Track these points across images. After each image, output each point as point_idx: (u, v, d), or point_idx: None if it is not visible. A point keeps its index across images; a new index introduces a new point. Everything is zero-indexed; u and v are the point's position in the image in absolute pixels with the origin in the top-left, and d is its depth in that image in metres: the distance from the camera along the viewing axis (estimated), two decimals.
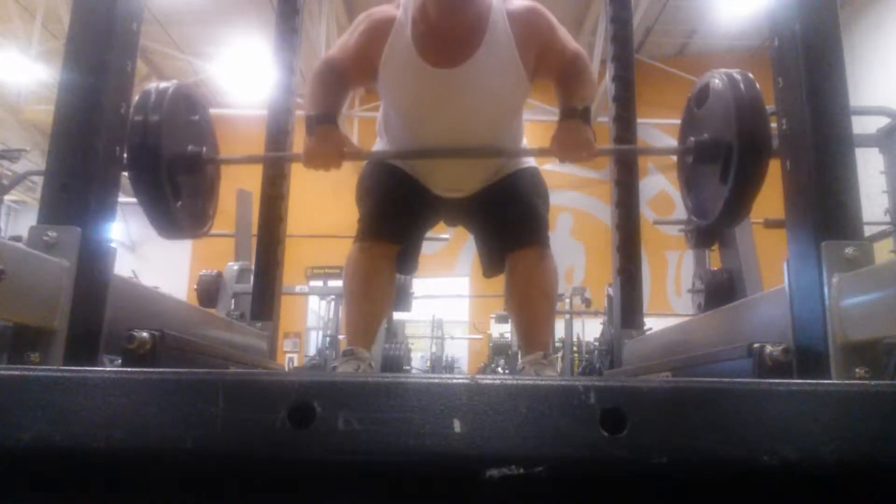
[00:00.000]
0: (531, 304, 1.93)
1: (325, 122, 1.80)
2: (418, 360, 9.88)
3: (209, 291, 4.96)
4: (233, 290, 4.92)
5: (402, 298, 5.39)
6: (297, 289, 6.63)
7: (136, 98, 1.60)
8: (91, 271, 1.31)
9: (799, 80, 1.35)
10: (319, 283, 7.29)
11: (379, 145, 2.07)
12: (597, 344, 6.51)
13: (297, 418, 0.64)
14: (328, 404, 0.64)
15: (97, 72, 1.39)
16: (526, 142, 2.09)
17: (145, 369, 0.72)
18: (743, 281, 3.98)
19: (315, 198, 8.82)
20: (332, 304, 6.86)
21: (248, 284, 3.52)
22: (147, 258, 11.08)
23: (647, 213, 6.84)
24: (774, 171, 1.50)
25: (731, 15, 9.75)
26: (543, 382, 0.67)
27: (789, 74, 1.39)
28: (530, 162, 2.04)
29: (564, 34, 1.84)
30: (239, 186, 5.29)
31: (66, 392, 0.66)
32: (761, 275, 4.05)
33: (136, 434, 0.65)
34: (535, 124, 6.66)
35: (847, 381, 1.07)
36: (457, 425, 0.64)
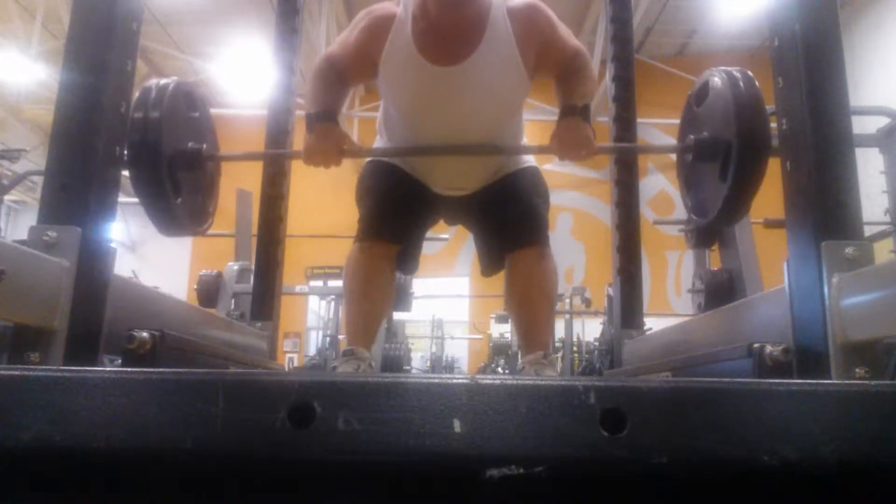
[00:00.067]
0: (531, 304, 1.93)
1: (325, 119, 1.81)
2: (418, 360, 9.88)
3: (209, 291, 4.96)
4: (233, 290, 4.92)
5: (402, 298, 5.39)
6: (297, 289, 6.63)
7: (136, 95, 1.60)
8: (91, 271, 1.31)
9: (799, 80, 1.35)
10: (319, 283, 7.29)
11: (379, 143, 2.07)
12: (597, 344, 6.51)
13: (297, 418, 0.64)
14: (328, 404, 0.65)
15: (97, 72, 1.39)
16: (526, 140, 2.09)
17: (145, 369, 0.72)
18: (743, 281, 3.98)
19: (315, 197, 8.82)
20: (332, 304, 6.86)
21: (248, 284, 3.52)
22: (147, 258, 11.09)
23: (647, 213, 6.86)
24: (774, 171, 1.50)
25: (731, 15, 9.75)
26: (543, 382, 0.67)
27: (789, 74, 1.39)
28: (531, 161, 2.04)
29: (565, 31, 1.84)
30: (239, 186, 5.30)
31: (66, 392, 0.66)
32: (761, 275, 4.04)
33: (136, 434, 0.65)
34: (535, 124, 6.66)
35: (847, 381, 1.07)
36: (457, 425, 0.64)
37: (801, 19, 1.37)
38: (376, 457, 0.64)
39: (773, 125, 1.51)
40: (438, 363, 9.67)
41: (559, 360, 7.21)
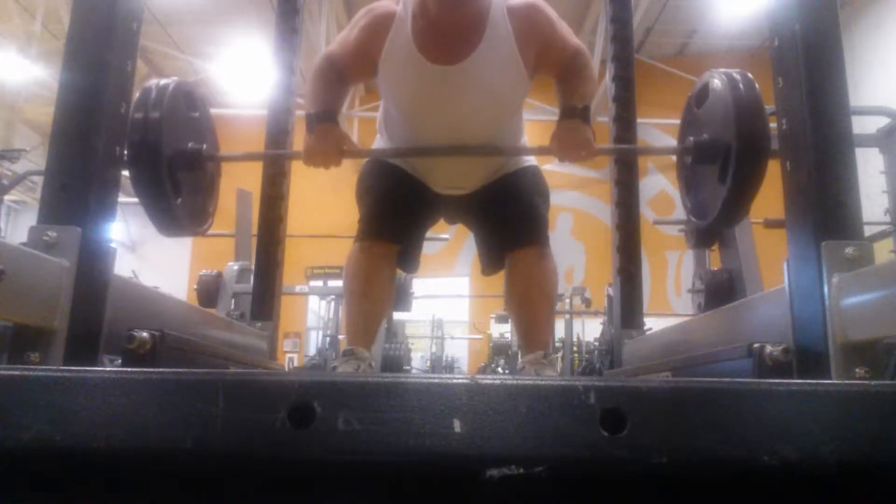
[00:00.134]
0: (531, 304, 1.93)
1: (324, 119, 1.81)
2: (418, 360, 9.88)
3: (209, 291, 4.96)
4: (233, 290, 4.92)
5: (402, 298, 5.39)
6: (297, 289, 6.63)
7: (136, 95, 1.60)
8: (91, 271, 1.31)
9: (799, 80, 1.35)
10: (319, 283, 7.29)
11: (379, 142, 2.07)
12: (597, 344, 6.51)
13: (297, 418, 0.64)
14: (328, 404, 0.64)
15: (97, 71, 1.39)
16: (526, 139, 2.09)
17: (145, 369, 0.72)
18: (743, 281, 3.98)
19: (315, 198, 8.81)
20: (332, 304, 6.86)
21: (248, 284, 3.52)
22: (147, 258, 11.09)
23: (647, 213, 6.85)
24: (774, 171, 1.50)
25: (731, 15, 9.75)
26: (543, 382, 0.67)
27: (789, 74, 1.39)
28: (531, 160, 2.04)
29: (565, 30, 1.83)
30: (239, 186, 5.30)
31: (66, 392, 0.66)
32: (761, 275, 4.05)
33: (136, 434, 0.65)
34: (535, 124, 6.66)
35: (847, 381, 1.07)
36: (457, 425, 0.64)
37: (801, 19, 1.37)
38: (376, 457, 0.64)
39: (774, 125, 1.51)
40: (438, 363, 9.67)
41: (559, 360, 7.21)
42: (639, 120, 2.64)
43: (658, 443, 0.63)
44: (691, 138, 1.72)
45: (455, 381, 0.67)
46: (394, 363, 5.79)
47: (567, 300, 7.82)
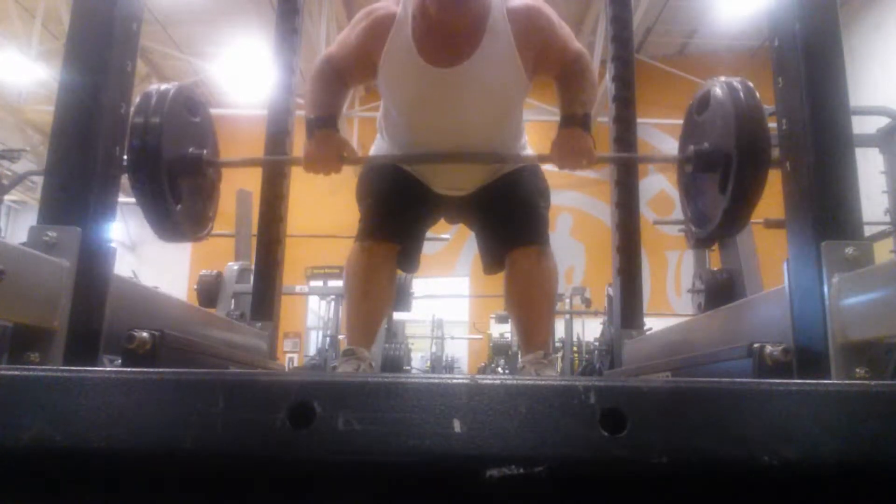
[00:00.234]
0: (531, 303, 1.93)
1: (324, 125, 1.80)
2: (418, 360, 9.88)
3: (209, 291, 4.96)
4: (233, 290, 4.92)
5: (402, 298, 5.39)
6: (297, 289, 6.63)
7: (136, 100, 1.59)
8: (91, 271, 1.31)
9: (799, 80, 1.35)
10: (319, 283, 7.29)
11: (379, 142, 2.07)
12: (597, 344, 6.51)
13: (297, 418, 0.64)
14: (328, 404, 0.64)
15: (97, 72, 1.39)
16: (526, 139, 2.09)
17: (145, 369, 0.72)
18: (743, 281, 3.98)
19: (315, 198, 8.81)
20: (332, 304, 6.86)
21: (248, 284, 3.52)
22: (147, 258, 11.09)
23: (647, 213, 6.86)
24: (774, 172, 1.50)
25: (731, 15, 9.75)
26: (543, 382, 0.67)
27: (789, 74, 1.39)
28: None
29: (566, 33, 1.83)
30: (239, 186, 5.30)
31: (66, 392, 0.66)
32: (761, 275, 4.05)
33: (136, 434, 0.65)
34: (535, 124, 6.67)
35: (847, 381, 1.07)
36: (457, 425, 0.64)
37: (801, 19, 1.37)
38: (376, 457, 0.64)
39: (773, 125, 1.51)
40: (438, 363, 9.67)
41: (559, 360, 7.21)
42: (639, 120, 2.64)
43: (658, 443, 0.63)
44: (692, 147, 1.71)
45: (455, 381, 0.67)
46: (394, 363, 5.79)
47: (567, 300, 7.82)
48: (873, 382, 0.74)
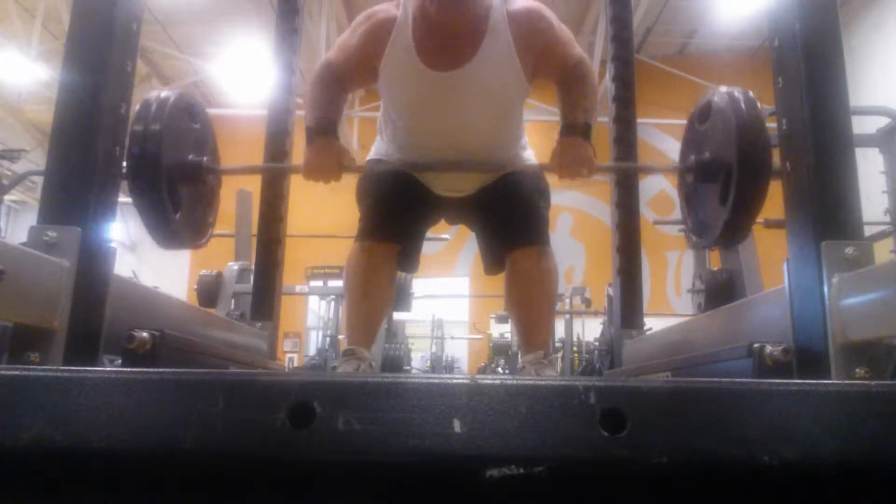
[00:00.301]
0: (531, 304, 1.93)
1: (324, 133, 1.80)
2: (418, 360, 9.88)
3: (209, 291, 4.96)
4: (233, 290, 4.92)
5: (402, 298, 5.39)
6: (297, 289, 6.63)
7: (136, 107, 1.57)
8: (91, 271, 1.31)
9: (799, 80, 1.35)
10: (319, 283, 7.29)
11: (379, 143, 2.07)
12: (597, 344, 6.51)
13: (297, 418, 0.64)
14: (328, 404, 0.64)
15: (97, 72, 1.39)
16: (526, 139, 2.09)
17: (145, 369, 0.72)
18: (743, 281, 3.99)
19: (315, 198, 8.80)
20: (332, 304, 6.86)
21: (248, 284, 3.52)
22: (147, 258, 11.08)
23: (647, 213, 6.85)
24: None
25: (731, 15, 9.75)
26: (543, 382, 0.67)
27: (789, 74, 1.39)
28: (531, 160, 2.04)
29: (567, 38, 1.82)
30: (239, 186, 5.29)
31: (66, 392, 0.66)
32: (761, 275, 4.05)
33: (136, 434, 0.65)
34: (535, 124, 6.67)
35: (847, 381, 1.07)
36: (457, 425, 0.64)
37: (801, 19, 1.37)
38: (376, 457, 0.64)
39: (773, 125, 1.51)
40: (438, 363, 9.67)
41: (559, 360, 7.21)
42: (639, 120, 2.64)
43: (658, 443, 0.63)
44: (693, 157, 1.70)
45: (455, 381, 0.67)
46: (394, 363, 5.79)
47: (567, 300, 7.81)
48: (873, 382, 0.74)
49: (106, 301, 1.37)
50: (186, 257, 11.54)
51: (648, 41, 10.87)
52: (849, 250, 1.21)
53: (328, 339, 6.74)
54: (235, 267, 5.04)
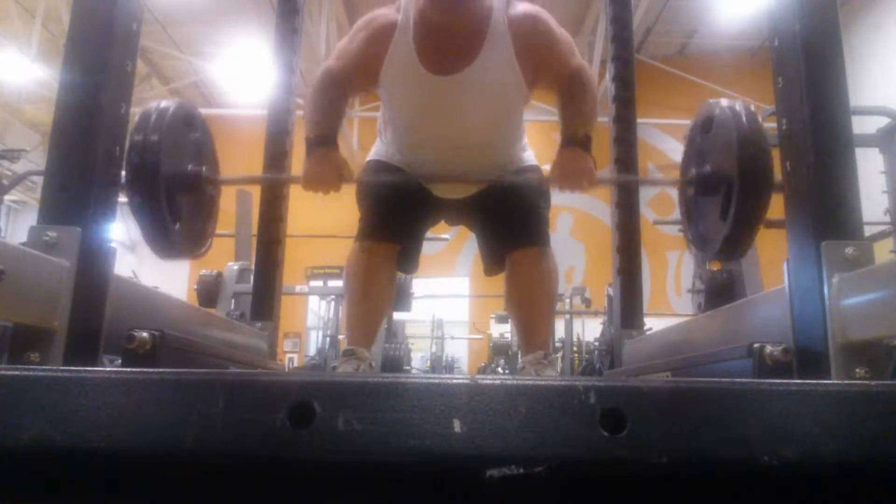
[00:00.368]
0: (531, 304, 1.93)
1: (324, 144, 1.80)
2: (418, 360, 9.88)
3: (209, 291, 4.96)
4: (233, 290, 4.92)
5: (402, 298, 5.39)
6: (297, 289, 6.62)
7: (136, 118, 1.55)
8: (91, 271, 1.31)
9: (799, 80, 1.35)
10: (319, 283, 7.29)
11: (379, 144, 2.07)
12: (597, 344, 6.51)
13: (297, 418, 0.64)
14: (328, 404, 0.65)
15: (97, 72, 1.39)
16: (526, 141, 2.09)
17: (145, 369, 0.72)
18: (743, 281, 3.99)
19: (315, 198, 8.79)
20: (332, 304, 6.85)
21: (248, 284, 3.52)
22: (147, 258, 11.05)
23: (647, 213, 6.85)
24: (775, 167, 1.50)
25: (731, 15, 9.75)
26: (543, 382, 0.67)
27: (789, 74, 1.39)
28: (531, 161, 2.04)
29: (567, 46, 1.82)
30: (239, 187, 5.29)
31: (66, 392, 0.66)
32: (761, 275, 4.05)
33: (136, 434, 0.65)
34: (535, 124, 6.66)
35: (847, 381, 1.07)
36: (457, 425, 0.64)
37: (801, 19, 1.37)
38: (376, 457, 0.64)
39: (773, 125, 1.51)
40: (438, 363, 9.67)
41: (559, 360, 7.21)
42: (639, 120, 2.64)
43: (658, 443, 0.63)
44: (693, 171, 1.69)
45: (455, 381, 0.67)
46: (394, 363, 5.79)
47: (567, 300, 7.81)
48: (873, 382, 0.74)
49: (106, 301, 1.37)
50: None
51: (648, 41, 10.87)
52: (849, 250, 1.21)
53: (328, 339, 6.74)
54: (235, 267, 5.04)
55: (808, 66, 1.34)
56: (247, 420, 0.65)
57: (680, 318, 3.86)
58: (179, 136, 1.68)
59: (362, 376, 0.72)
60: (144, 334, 1.22)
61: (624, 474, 0.63)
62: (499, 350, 8.49)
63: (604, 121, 2.78)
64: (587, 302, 7.66)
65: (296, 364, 9.41)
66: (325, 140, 1.80)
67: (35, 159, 8.47)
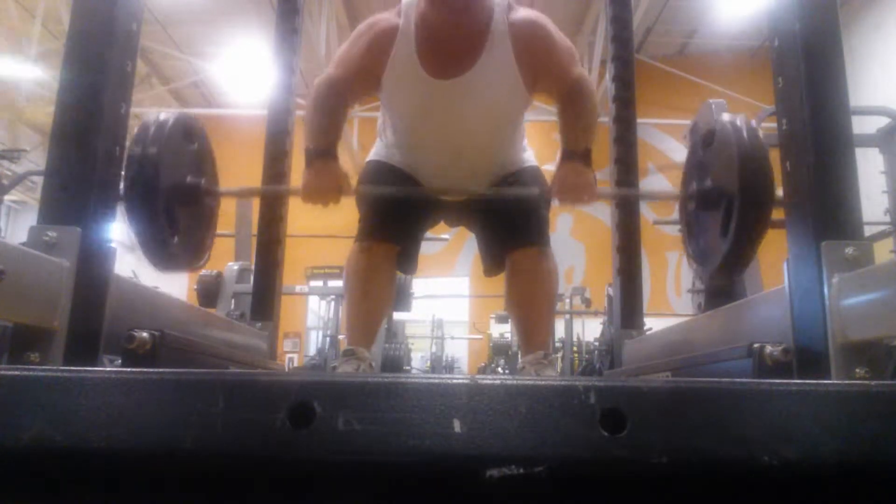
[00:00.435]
0: (531, 304, 1.93)
1: (323, 155, 1.79)
2: (418, 360, 9.88)
3: (209, 291, 4.96)
4: (233, 290, 4.92)
5: (402, 298, 5.39)
6: (297, 289, 6.62)
7: (135, 130, 1.54)
8: (91, 271, 1.31)
9: (799, 80, 1.35)
10: (319, 283, 7.29)
11: (379, 145, 2.07)
12: (597, 344, 6.51)
13: (297, 418, 0.64)
14: (328, 404, 0.65)
15: (97, 72, 1.39)
16: (526, 142, 2.09)
17: (145, 369, 0.72)
18: (743, 281, 3.98)
19: None
20: (332, 304, 6.86)
21: (248, 284, 3.52)
22: None
23: (647, 213, 6.85)
24: (775, 172, 1.49)
25: (731, 15, 9.75)
26: (543, 382, 0.67)
27: (789, 74, 1.39)
28: (531, 161, 2.04)
29: (568, 53, 1.81)
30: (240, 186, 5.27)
31: (66, 392, 0.66)
32: (761, 275, 4.05)
33: (136, 434, 0.65)
34: (535, 124, 6.66)
35: (847, 381, 1.07)
36: (457, 425, 0.64)
37: (801, 19, 1.37)
38: (376, 457, 0.64)
39: (773, 125, 1.51)
40: (438, 363, 9.67)
41: (559, 360, 7.21)
42: (639, 120, 2.64)
43: (658, 443, 0.63)
44: (694, 185, 1.68)
45: (455, 381, 0.67)
46: (394, 363, 5.79)
47: (567, 300, 7.81)
48: (873, 382, 0.74)
49: (106, 301, 1.37)
50: None
51: (648, 41, 10.87)
52: (849, 250, 1.21)
53: (328, 339, 6.74)
54: (235, 267, 5.04)
55: (808, 66, 1.34)
56: (247, 420, 0.65)
57: (680, 318, 3.85)
58: (178, 148, 1.67)
59: (362, 376, 0.72)
60: (144, 334, 1.22)
61: (624, 474, 0.63)
62: (499, 350, 8.49)
63: (604, 121, 2.78)
64: (587, 302, 7.66)
65: (296, 364, 9.41)
66: (325, 152, 1.80)
67: (35, 159, 8.46)
